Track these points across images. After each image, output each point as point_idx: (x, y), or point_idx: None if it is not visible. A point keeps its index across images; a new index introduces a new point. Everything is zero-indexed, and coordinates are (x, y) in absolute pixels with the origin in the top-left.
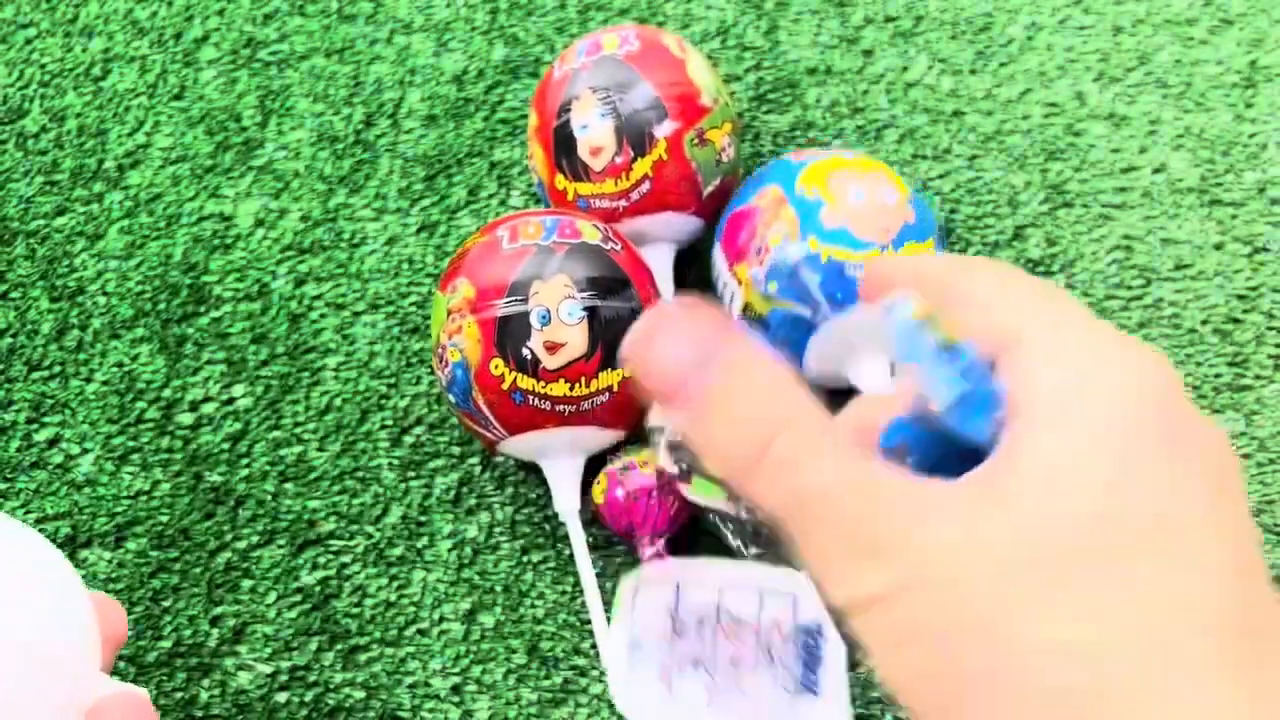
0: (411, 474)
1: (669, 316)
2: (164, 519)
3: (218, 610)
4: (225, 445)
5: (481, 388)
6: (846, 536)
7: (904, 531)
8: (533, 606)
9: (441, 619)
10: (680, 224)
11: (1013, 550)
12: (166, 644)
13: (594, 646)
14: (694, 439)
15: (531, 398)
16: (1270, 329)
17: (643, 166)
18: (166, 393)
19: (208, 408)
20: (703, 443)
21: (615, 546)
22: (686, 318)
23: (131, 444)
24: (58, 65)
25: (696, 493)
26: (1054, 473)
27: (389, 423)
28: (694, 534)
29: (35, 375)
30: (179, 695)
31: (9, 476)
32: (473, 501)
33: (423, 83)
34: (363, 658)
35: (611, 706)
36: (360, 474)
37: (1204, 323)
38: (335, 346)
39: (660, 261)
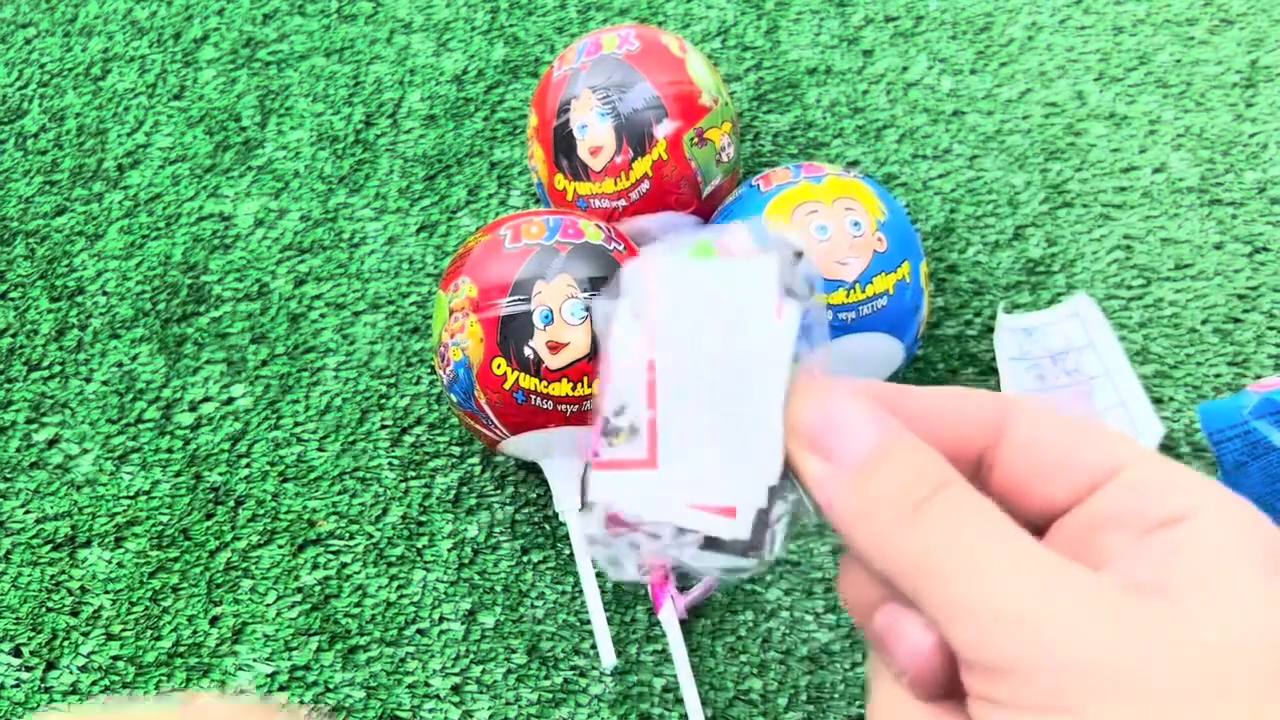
0: (411, 474)
1: (834, 387)
2: (164, 519)
3: (217, 610)
4: (225, 445)
5: (484, 387)
6: (989, 611)
7: (1056, 635)
8: (533, 607)
9: (441, 619)
10: (680, 224)
11: (1198, 679)
12: (166, 644)
13: (594, 646)
14: (837, 493)
15: (534, 397)
16: (1270, 329)
17: (642, 166)
18: (166, 393)
19: (207, 408)
20: (851, 495)
21: None
22: (847, 385)
23: (131, 444)
24: (57, 65)
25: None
26: (1233, 591)
27: (389, 423)
28: None
29: (35, 375)
30: (179, 695)
31: (8, 476)
32: (473, 501)
33: (423, 82)
34: (362, 658)
35: (611, 706)
36: (360, 474)
37: (1204, 322)
38: (335, 346)
39: None
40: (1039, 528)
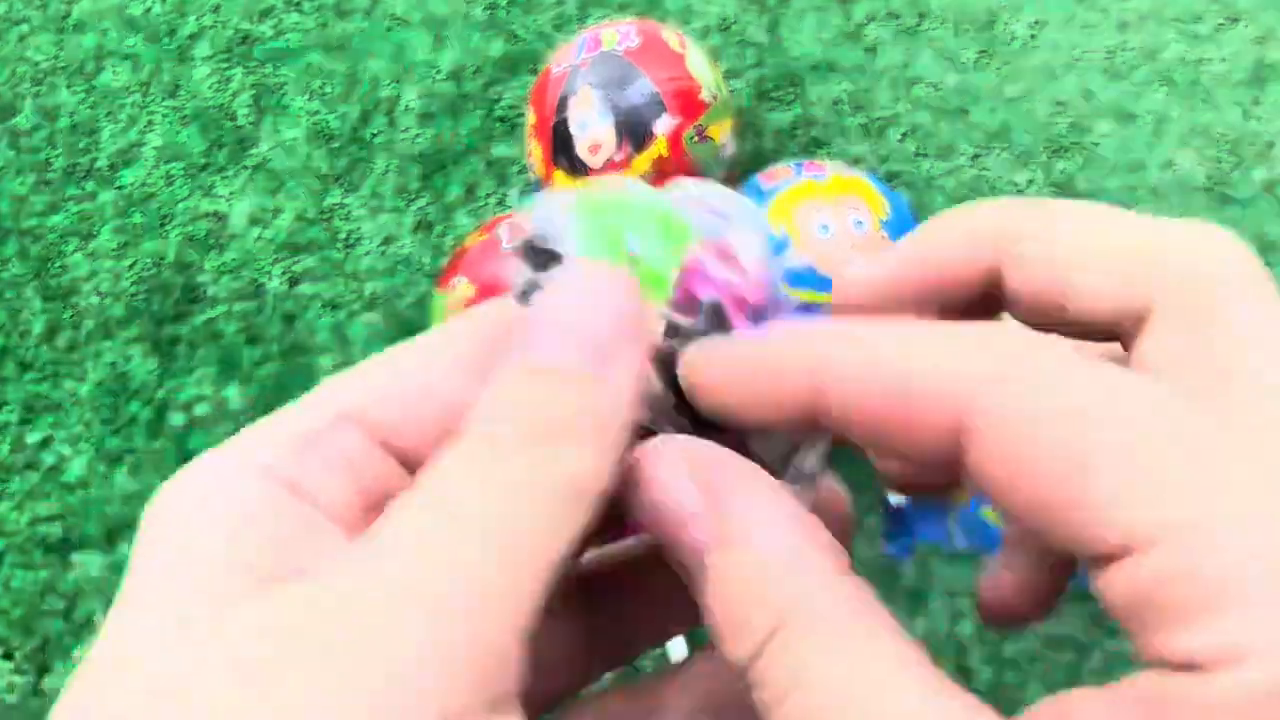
0: None
1: (669, 452)
2: None
3: None
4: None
5: None
6: None
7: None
8: None
9: None
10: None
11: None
12: None
13: None
14: (702, 596)
15: None
16: None
17: (642, 163)
18: (159, 394)
19: (201, 409)
20: (709, 599)
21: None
22: (690, 452)
23: (124, 445)
24: (50, 62)
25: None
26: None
27: None
28: None
29: (27, 376)
30: None
31: (1, 478)
32: None
33: (419, 79)
34: None
35: None
36: None
37: None
38: (330, 347)
39: None
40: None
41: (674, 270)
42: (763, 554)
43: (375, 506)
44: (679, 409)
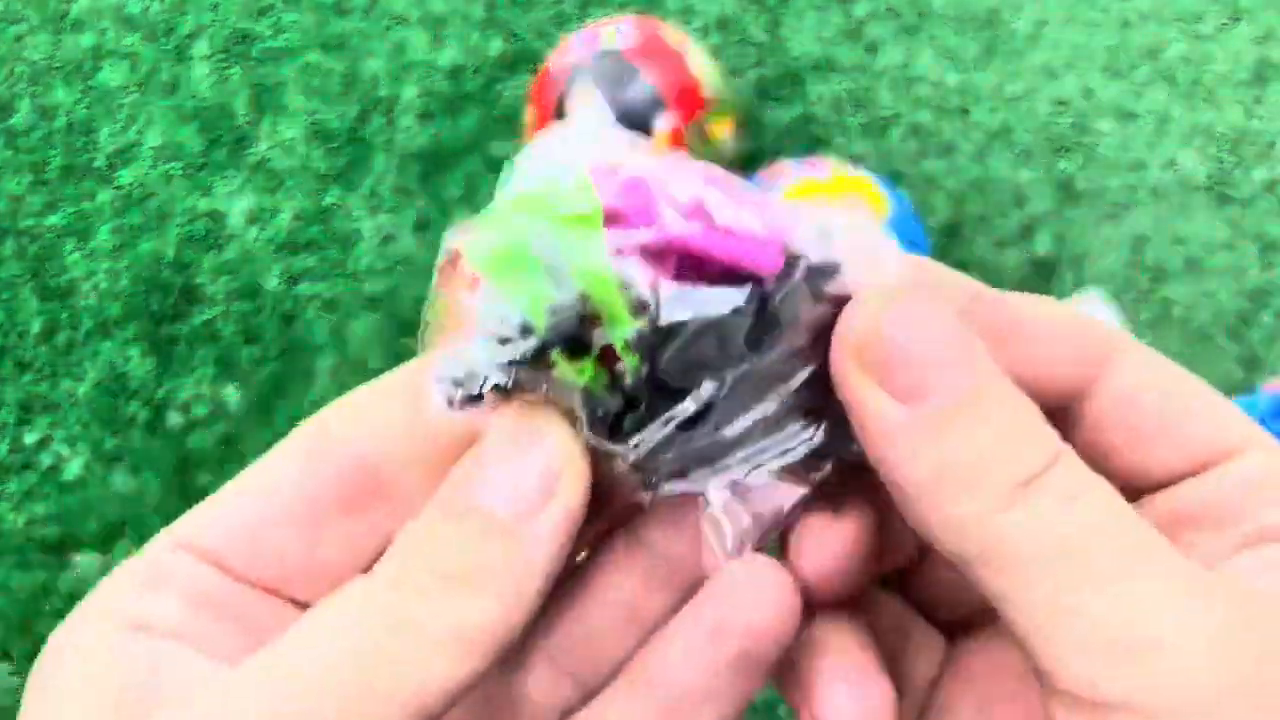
0: None
1: (915, 292)
2: (155, 521)
3: None
4: (216, 447)
5: None
6: (1124, 639)
7: (1201, 672)
8: None
9: None
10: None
11: None
12: None
13: None
14: (910, 447)
15: None
16: None
17: None
18: (158, 394)
19: (199, 409)
20: (931, 453)
21: None
22: (938, 302)
23: (122, 445)
24: (47, 61)
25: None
26: None
27: None
28: None
29: (25, 376)
30: None
31: None
32: None
33: (418, 78)
34: None
35: None
36: None
37: (1215, 321)
38: (329, 346)
39: None
40: None
41: (609, 256)
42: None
43: (220, 620)
44: (654, 386)
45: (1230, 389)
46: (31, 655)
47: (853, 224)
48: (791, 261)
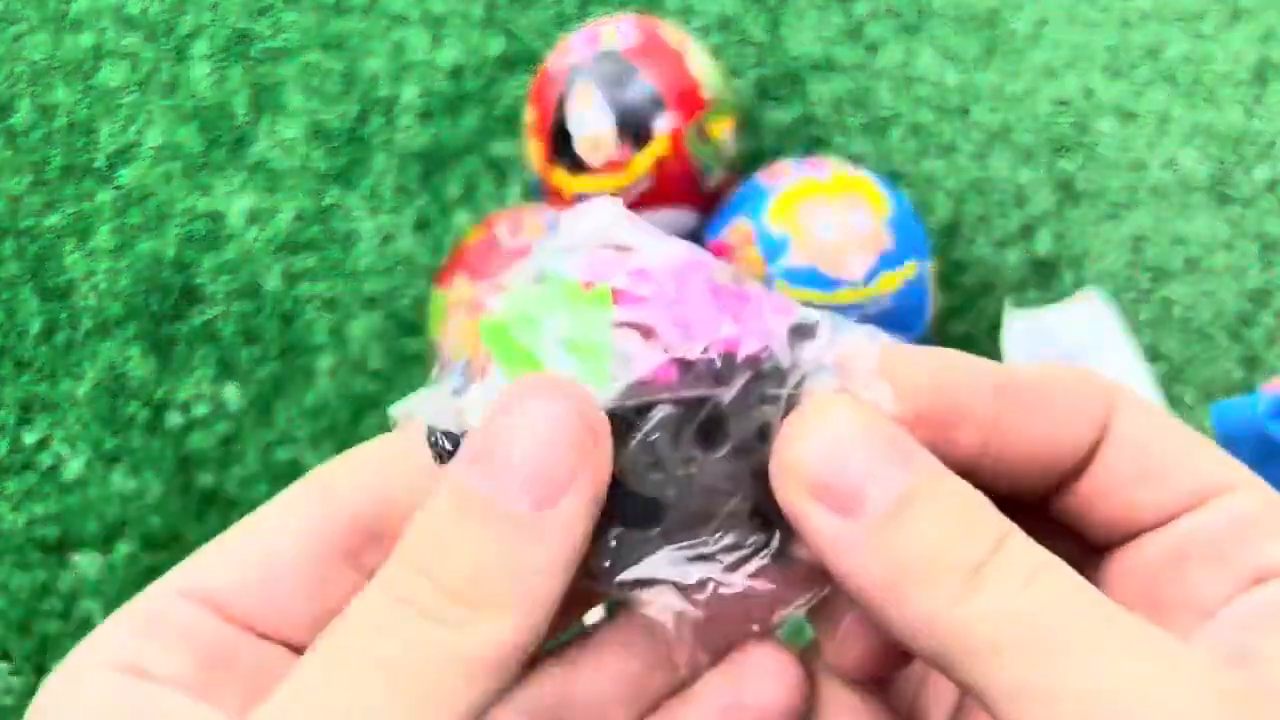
0: None
1: (848, 406)
2: (155, 521)
3: None
4: (217, 447)
5: None
6: (1096, 701)
7: None
8: None
9: None
10: (678, 220)
11: None
12: None
13: None
14: (858, 557)
15: None
16: None
17: (641, 161)
18: (158, 393)
19: (199, 409)
20: (879, 558)
21: None
22: (865, 407)
23: (122, 445)
24: (47, 61)
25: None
26: None
27: (384, 424)
28: None
29: (24, 376)
30: None
31: None
32: None
33: (418, 78)
34: None
35: None
36: None
37: (1215, 321)
38: (329, 346)
39: None
40: (1101, 546)
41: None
42: (968, 486)
43: (221, 668)
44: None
45: (1230, 389)
46: (31, 655)
47: (834, 323)
48: (750, 364)
